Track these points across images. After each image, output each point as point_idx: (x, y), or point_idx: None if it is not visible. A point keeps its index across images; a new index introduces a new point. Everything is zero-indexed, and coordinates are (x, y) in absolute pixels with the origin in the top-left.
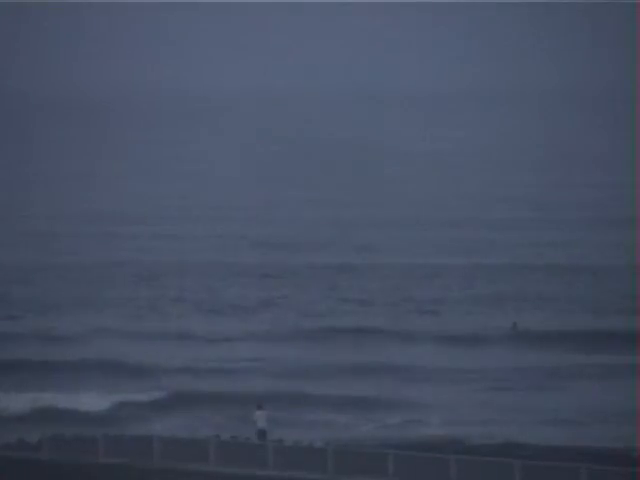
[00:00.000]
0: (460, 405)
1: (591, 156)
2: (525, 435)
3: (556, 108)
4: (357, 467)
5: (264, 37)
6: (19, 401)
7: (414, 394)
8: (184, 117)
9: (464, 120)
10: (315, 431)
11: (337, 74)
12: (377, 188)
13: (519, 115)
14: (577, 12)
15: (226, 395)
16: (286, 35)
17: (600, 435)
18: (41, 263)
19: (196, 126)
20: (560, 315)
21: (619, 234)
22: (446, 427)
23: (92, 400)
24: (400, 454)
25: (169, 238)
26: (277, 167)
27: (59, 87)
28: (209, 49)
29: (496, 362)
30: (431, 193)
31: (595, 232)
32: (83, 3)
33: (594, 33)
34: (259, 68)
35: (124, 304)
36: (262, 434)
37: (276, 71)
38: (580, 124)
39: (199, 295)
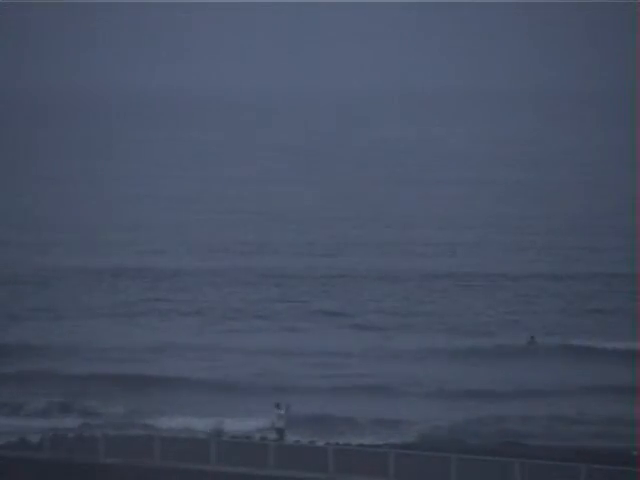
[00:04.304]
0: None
1: (591, 157)
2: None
3: (556, 108)
4: (357, 466)
5: (264, 37)
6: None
7: None
8: (184, 117)
9: (464, 120)
10: None
11: (336, 74)
12: (375, 189)
13: (519, 115)
14: (577, 12)
15: None
16: (286, 35)
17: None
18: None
19: (196, 126)
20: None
21: (619, 239)
22: None
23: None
24: (400, 453)
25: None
26: (277, 166)
27: (59, 87)
28: (208, 49)
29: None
30: (429, 193)
31: (595, 236)
32: (83, 3)
33: (594, 33)
34: (259, 68)
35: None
36: (280, 432)
37: (276, 71)
38: (580, 124)
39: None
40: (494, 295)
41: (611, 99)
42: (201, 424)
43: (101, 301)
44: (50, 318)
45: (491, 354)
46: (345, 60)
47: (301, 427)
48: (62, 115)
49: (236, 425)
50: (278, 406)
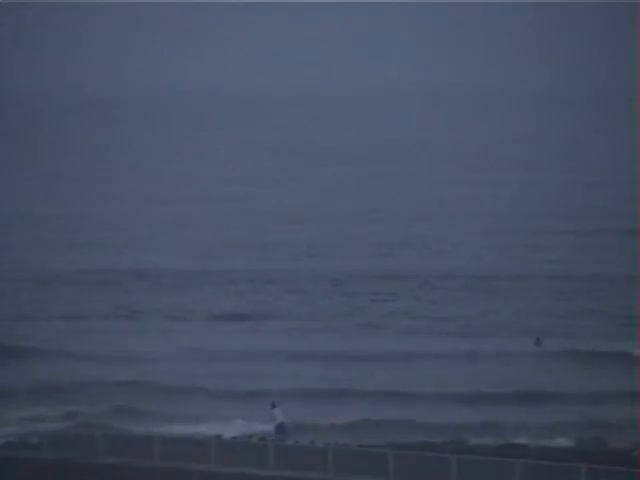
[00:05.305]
0: None
1: (591, 157)
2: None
3: (556, 108)
4: (357, 467)
5: (264, 37)
6: None
7: None
8: (183, 117)
9: (465, 119)
10: None
11: (337, 74)
12: (377, 189)
13: (518, 115)
14: (577, 12)
15: None
16: (286, 35)
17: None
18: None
19: (195, 126)
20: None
21: (619, 240)
22: None
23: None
24: (400, 454)
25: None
26: (277, 167)
27: (60, 86)
28: (208, 49)
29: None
30: (429, 193)
31: (595, 238)
32: (84, 3)
33: (594, 33)
34: (258, 68)
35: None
36: (281, 427)
37: (275, 71)
38: (580, 125)
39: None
40: (498, 296)
41: (611, 99)
42: (200, 430)
43: (100, 302)
44: (47, 319)
45: (495, 355)
46: (345, 60)
47: (301, 430)
48: (60, 115)
49: (236, 429)
50: (274, 405)
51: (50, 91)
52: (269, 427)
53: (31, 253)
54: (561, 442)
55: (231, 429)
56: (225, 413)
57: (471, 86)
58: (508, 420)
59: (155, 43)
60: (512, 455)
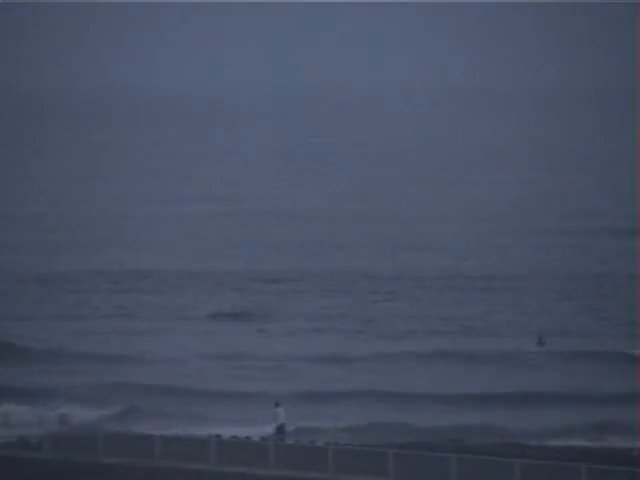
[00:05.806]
0: None
1: (591, 157)
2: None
3: (555, 108)
4: (357, 466)
5: (264, 37)
6: None
7: None
8: (183, 117)
9: (465, 120)
10: None
11: (336, 75)
12: (377, 188)
13: (518, 115)
14: (577, 12)
15: None
16: (286, 35)
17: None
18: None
19: (194, 126)
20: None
21: (619, 240)
22: None
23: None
24: (400, 453)
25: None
26: (276, 167)
27: (60, 86)
28: (208, 49)
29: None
30: (430, 193)
31: (595, 238)
32: (84, 3)
33: (594, 33)
34: (259, 68)
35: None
36: (281, 429)
37: (275, 71)
38: (579, 125)
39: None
40: (498, 296)
41: (611, 99)
42: (201, 430)
43: (100, 302)
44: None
45: (495, 355)
46: (345, 60)
47: (302, 431)
48: (60, 115)
49: (236, 429)
50: (277, 404)
51: (50, 91)
52: (269, 427)
53: (31, 253)
54: (561, 442)
55: (231, 429)
56: (225, 413)
57: (471, 86)
58: (508, 420)
59: (155, 43)
60: (512, 455)
